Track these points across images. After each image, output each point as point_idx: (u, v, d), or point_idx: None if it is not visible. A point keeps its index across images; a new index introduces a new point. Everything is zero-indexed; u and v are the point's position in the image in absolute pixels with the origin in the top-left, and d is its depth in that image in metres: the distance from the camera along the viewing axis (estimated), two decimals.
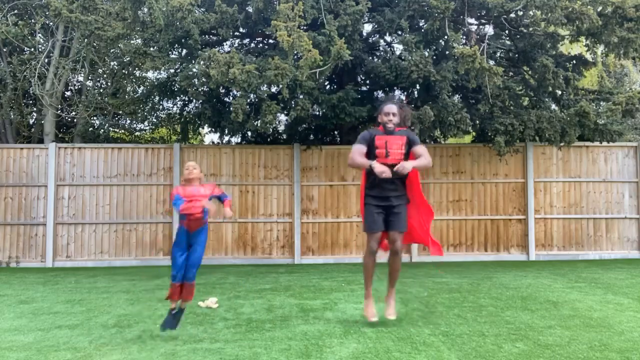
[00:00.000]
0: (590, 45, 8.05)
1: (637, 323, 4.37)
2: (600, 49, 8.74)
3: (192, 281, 4.02)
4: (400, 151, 4.20)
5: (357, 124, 9.57)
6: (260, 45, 9.73)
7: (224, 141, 10.75)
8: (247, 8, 8.27)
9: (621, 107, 7.53)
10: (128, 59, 10.10)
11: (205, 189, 4.03)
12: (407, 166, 4.02)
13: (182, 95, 9.84)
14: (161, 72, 9.94)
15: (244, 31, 9.35)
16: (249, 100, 7.95)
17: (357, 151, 4.17)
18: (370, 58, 9.09)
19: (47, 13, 10.16)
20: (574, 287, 6.15)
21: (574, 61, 9.11)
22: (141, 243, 9.10)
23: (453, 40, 7.61)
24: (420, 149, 4.23)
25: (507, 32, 8.92)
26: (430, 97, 8.28)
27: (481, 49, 7.55)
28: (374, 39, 9.78)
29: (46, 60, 10.11)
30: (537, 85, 8.62)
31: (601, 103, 9.18)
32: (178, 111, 11.43)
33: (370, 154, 4.20)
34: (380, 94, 9.69)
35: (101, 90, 11.99)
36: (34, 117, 11.43)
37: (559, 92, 9.14)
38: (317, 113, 8.84)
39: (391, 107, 4.24)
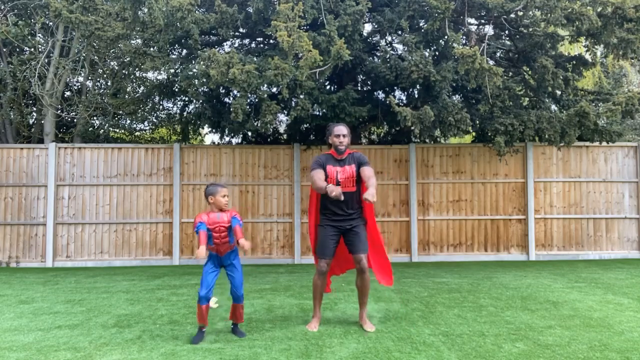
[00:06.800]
0: (589, 46, 8.05)
1: (637, 323, 4.37)
2: (599, 49, 8.75)
3: (241, 302, 4.11)
4: (351, 178, 4.25)
5: (357, 124, 9.57)
6: (260, 45, 9.73)
7: (224, 141, 10.75)
8: (247, 8, 8.27)
9: (621, 107, 7.53)
10: (128, 59, 10.11)
11: (226, 214, 4.03)
12: (374, 197, 3.85)
13: (182, 96, 9.85)
14: (161, 72, 9.95)
15: (244, 31, 9.35)
16: (249, 100, 7.95)
17: (318, 176, 4.17)
18: (371, 58, 9.09)
19: (47, 13, 10.16)
20: (574, 287, 6.15)
21: (574, 62, 9.11)
22: (141, 243, 9.10)
23: (453, 41, 7.61)
24: (367, 170, 4.21)
25: (507, 32, 8.93)
26: (430, 97, 8.28)
27: (481, 49, 7.55)
28: (374, 39, 9.78)
29: (46, 60, 10.11)
30: (536, 85, 8.62)
31: (600, 103, 9.18)
32: (178, 111, 11.44)
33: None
34: (380, 94, 9.70)
35: (101, 91, 11.99)
36: (34, 117, 11.43)
37: (559, 93, 9.15)
38: (317, 113, 8.84)
39: (341, 129, 4.28)
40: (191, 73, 7.92)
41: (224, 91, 9.18)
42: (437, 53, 8.74)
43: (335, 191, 3.89)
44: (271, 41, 9.17)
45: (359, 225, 4.30)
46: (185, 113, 10.54)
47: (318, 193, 4.38)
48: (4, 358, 3.57)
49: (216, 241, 3.97)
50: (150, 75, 11.94)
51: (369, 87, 9.70)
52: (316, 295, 4.36)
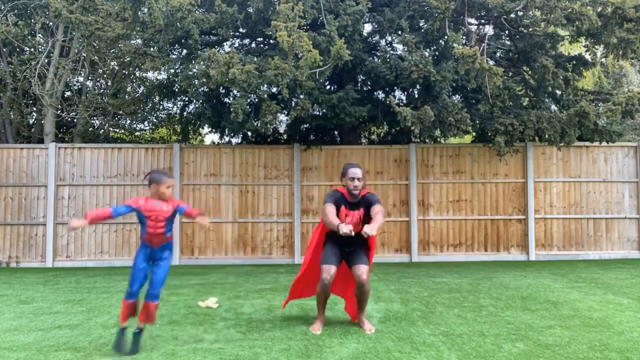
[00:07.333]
0: (589, 46, 8.06)
1: (637, 323, 4.37)
2: (599, 49, 8.74)
3: (157, 301, 3.70)
4: (358, 224, 4.25)
5: (357, 124, 9.58)
6: (260, 45, 9.74)
7: (224, 141, 10.75)
8: (247, 8, 8.27)
9: (621, 107, 7.53)
10: (128, 59, 10.11)
11: (167, 205, 3.70)
12: (373, 230, 3.81)
13: (182, 96, 9.85)
14: (161, 72, 9.96)
15: (244, 31, 9.36)
16: (249, 100, 7.95)
17: (330, 210, 4.11)
18: (371, 58, 9.09)
19: (47, 13, 10.16)
20: (574, 287, 6.15)
21: (574, 62, 9.12)
22: None
23: (453, 41, 7.62)
24: (376, 207, 4.15)
25: (507, 32, 8.93)
26: (430, 97, 8.28)
27: (481, 49, 7.55)
28: (374, 39, 9.78)
29: (46, 60, 10.11)
30: (537, 85, 8.62)
31: (600, 103, 9.18)
32: (178, 111, 11.44)
33: None
34: (380, 94, 9.70)
35: (101, 91, 11.99)
36: (34, 117, 11.42)
37: (559, 93, 9.15)
38: (317, 113, 8.85)
39: (356, 172, 4.22)
40: (191, 73, 7.92)
41: (224, 91, 9.18)
42: (437, 53, 8.74)
43: (345, 230, 3.83)
44: (271, 41, 9.17)
45: (361, 248, 4.31)
46: (185, 113, 10.55)
47: (323, 230, 4.38)
48: (4, 358, 3.58)
49: (150, 230, 3.64)
50: (150, 75, 11.94)
51: (369, 87, 9.70)
52: (319, 303, 4.30)
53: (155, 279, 3.68)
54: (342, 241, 4.30)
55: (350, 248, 4.32)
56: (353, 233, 3.90)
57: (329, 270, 4.14)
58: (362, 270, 4.13)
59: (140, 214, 3.64)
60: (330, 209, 4.13)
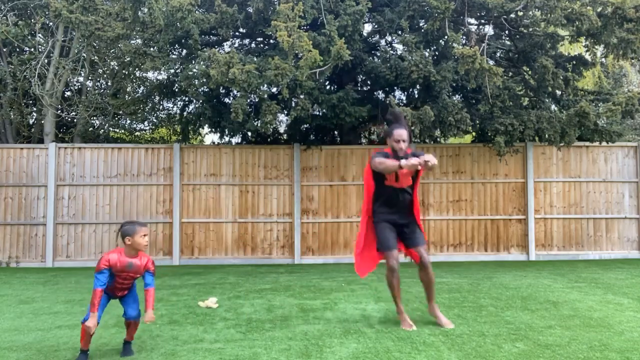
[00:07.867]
0: (589, 46, 8.06)
1: (637, 323, 4.37)
2: (599, 49, 8.75)
3: (139, 318, 3.66)
4: (408, 174, 4.25)
5: (357, 124, 9.58)
6: (260, 45, 9.74)
7: (224, 141, 10.75)
8: (247, 8, 8.28)
9: (621, 107, 7.53)
10: (128, 59, 10.11)
11: (141, 262, 3.54)
12: (431, 157, 3.83)
13: (182, 96, 9.85)
14: (161, 72, 9.96)
15: (244, 31, 9.36)
16: (249, 100, 7.95)
17: (385, 159, 4.08)
18: (370, 58, 9.09)
19: (47, 13, 10.16)
20: (574, 287, 6.15)
21: (574, 62, 9.12)
22: None
23: (453, 41, 7.62)
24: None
25: (507, 32, 8.93)
26: (430, 97, 8.29)
27: (481, 49, 7.55)
28: (374, 39, 9.78)
29: (46, 60, 10.11)
30: (537, 85, 8.63)
31: (600, 103, 9.19)
32: (178, 111, 11.44)
33: (382, 178, 4.25)
34: (380, 94, 9.70)
35: (101, 91, 11.99)
36: (34, 117, 11.43)
37: (559, 93, 9.16)
38: (317, 113, 8.85)
39: (401, 134, 4.21)
40: (191, 73, 7.93)
41: (224, 91, 9.18)
42: (437, 53, 8.75)
43: (413, 162, 3.79)
44: (271, 41, 9.17)
45: (412, 222, 4.36)
46: (185, 113, 10.55)
47: (369, 194, 4.36)
48: (4, 358, 3.58)
49: (117, 285, 3.55)
50: (150, 75, 11.95)
51: (369, 87, 9.71)
52: (394, 292, 4.32)
53: (131, 301, 3.63)
54: (393, 207, 4.27)
55: (407, 219, 4.31)
56: (419, 166, 3.80)
57: (392, 255, 4.21)
58: (422, 250, 4.25)
59: (111, 272, 3.48)
60: (385, 159, 4.08)
